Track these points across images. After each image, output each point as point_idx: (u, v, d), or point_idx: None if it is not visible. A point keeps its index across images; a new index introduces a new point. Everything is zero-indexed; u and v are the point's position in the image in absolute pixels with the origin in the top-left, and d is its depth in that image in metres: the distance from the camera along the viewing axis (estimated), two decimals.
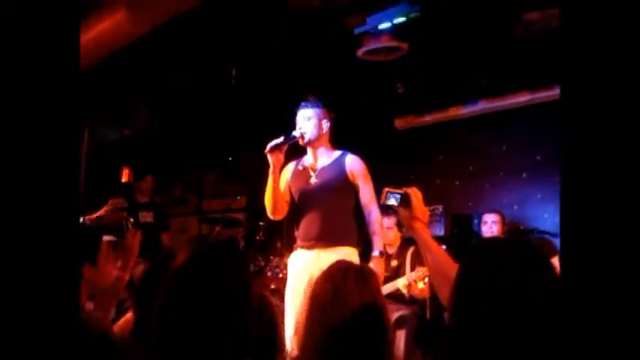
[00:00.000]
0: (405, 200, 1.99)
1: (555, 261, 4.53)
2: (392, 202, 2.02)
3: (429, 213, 2.05)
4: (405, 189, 2.02)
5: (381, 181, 6.07)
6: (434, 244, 1.93)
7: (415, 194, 1.99)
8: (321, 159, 3.59)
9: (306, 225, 3.50)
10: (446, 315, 1.71)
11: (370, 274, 1.91)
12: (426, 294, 4.96)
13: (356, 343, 1.72)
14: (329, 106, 3.73)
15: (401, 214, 2.02)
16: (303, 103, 3.65)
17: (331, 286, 1.80)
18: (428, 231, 1.98)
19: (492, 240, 2.23)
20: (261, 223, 5.73)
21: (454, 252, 5.82)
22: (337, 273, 1.85)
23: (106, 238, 2.28)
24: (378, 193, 3.76)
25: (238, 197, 6.93)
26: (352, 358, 1.72)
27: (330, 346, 1.71)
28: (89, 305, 2.12)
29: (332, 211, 3.46)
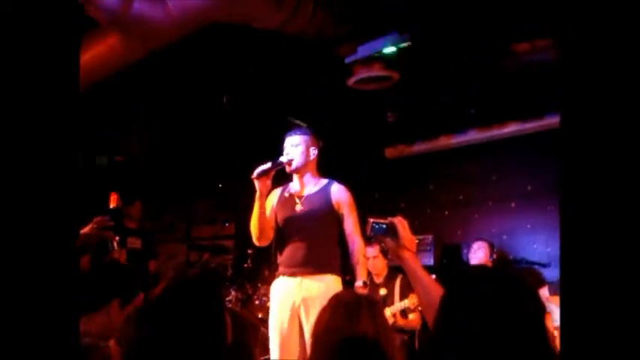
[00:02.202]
0: (392, 230, 1.95)
1: (544, 292, 4.52)
2: (378, 232, 1.99)
3: (416, 242, 2.02)
4: (390, 219, 1.98)
5: (371, 209, 6.09)
6: (423, 273, 1.91)
7: (401, 223, 1.96)
8: (307, 186, 3.58)
9: (290, 252, 3.48)
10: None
11: (378, 303, 1.97)
12: (417, 324, 4.92)
13: None
14: (319, 134, 3.74)
15: (388, 244, 1.97)
16: (291, 130, 3.66)
17: (346, 315, 1.79)
18: (417, 260, 1.95)
19: (478, 268, 2.22)
20: (249, 250, 5.69)
21: (444, 281, 5.81)
22: (351, 302, 1.85)
23: None
24: (365, 220, 3.76)
25: (227, 224, 6.89)
26: None
27: None
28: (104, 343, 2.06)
29: (316, 238, 3.44)
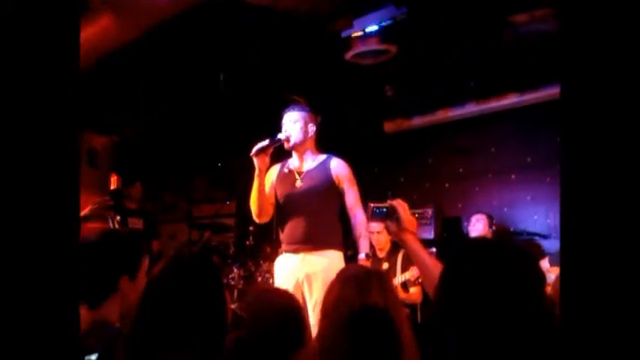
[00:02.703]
0: (392, 213, 1.97)
1: (544, 263, 4.54)
2: (379, 216, 2.00)
3: (417, 220, 2.04)
4: (390, 202, 2.00)
5: (370, 184, 6.11)
6: (425, 254, 1.93)
7: (401, 206, 1.98)
8: (306, 162, 3.58)
9: (292, 228, 3.49)
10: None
11: (387, 276, 1.97)
12: (418, 298, 4.96)
13: (381, 343, 1.73)
14: (317, 109, 3.72)
15: (389, 227, 2.00)
16: (289, 106, 3.65)
17: (356, 288, 1.80)
18: (418, 241, 1.97)
19: (477, 239, 2.22)
20: (250, 228, 5.71)
21: (444, 254, 5.85)
22: (361, 275, 1.86)
23: None
24: (366, 196, 3.77)
25: (228, 202, 6.90)
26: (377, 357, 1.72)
27: (357, 347, 1.71)
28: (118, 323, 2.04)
29: (317, 214, 3.45)
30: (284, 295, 2.09)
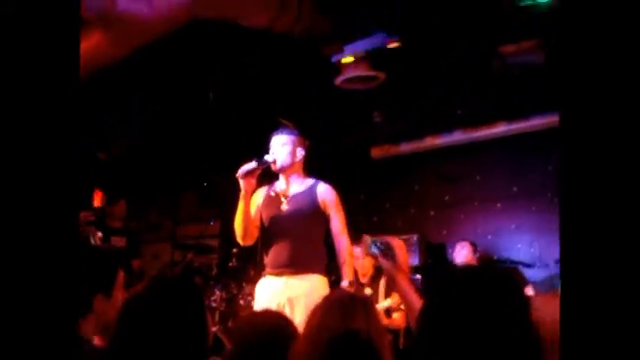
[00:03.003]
0: (389, 251, 1.97)
1: (528, 290, 4.54)
2: (374, 250, 1.99)
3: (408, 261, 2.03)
4: (388, 239, 1.99)
5: (356, 209, 6.10)
6: (414, 296, 1.91)
7: (399, 247, 1.97)
8: (293, 186, 3.57)
9: (276, 252, 3.46)
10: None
11: (372, 303, 1.93)
12: (401, 324, 4.93)
13: None
14: (305, 133, 3.72)
15: (383, 264, 1.98)
16: (278, 129, 3.64)
17: (341, 314, 1.78)
18: (408, 281, 1.95)
19: (462, 267, 2.20)
20: (234, 250, 5.66)
21: (429, 281, 5.82)
22: (346, 301, 1.84)
23: None
24: (352, 220, 3.76)
25: (212, 223, 6.86)
26: None
27: None
28: (98, 341, 2.01)
29: (302, 238, 3.43)
30: (276, 318, 2.07)
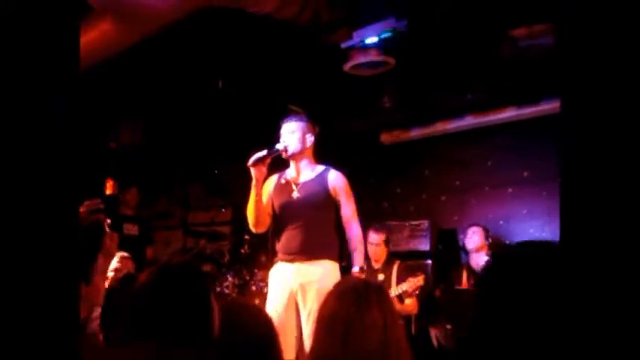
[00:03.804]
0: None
1: None
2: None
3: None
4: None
5: (367, 195, 6.10)
6: None
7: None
8: (303, 173, 3.58)
9: (287, 238, 3.49)
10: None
11: (386, 291, 1.95)
12: (414, 309, 4.95)
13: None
14: (315, 120, 3.73)
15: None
16: (288, 117, 3.65)
17: (355, 303, 1.78)
18: None
19: (515, 245, 2.06)
20: (246, 236, 5.69)
21: (439, 266, 5.84)
22: (360, 289, 1.84)
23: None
24: (362, 206, 3.76)
25: (224, 210, 6.88)
26: None
27: None
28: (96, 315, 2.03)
29: (313, 225, 3.45)
30: (256, 313, 2.06)
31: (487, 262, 1.25)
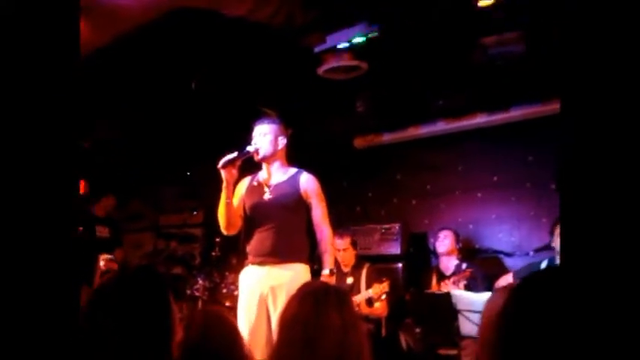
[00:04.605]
0: None
1: (508, 278, 4.60)
2: None
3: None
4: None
5: (339, 198, 6.12)
6: None
7: None
8: (275, 175, 3.59)
9: (258, 241, 3.49)
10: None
11: (347, 294, 1.95)
12: (383, 312, 4.98)
13: None
14: (288, 122, 3.74)
15: None
16: (260, 119, 3.66)
17: (313, 306, 1.79)
18: None
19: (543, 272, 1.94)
20: (217, 239, 5.67)
21: (410, 269, 5.86)
22: (319, 292, 1.85)
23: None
24: (334, 210, 3.78)
25: (195, 212, 6.85)
26: None
27: None
28: None
29: (284, 227, 3.46)
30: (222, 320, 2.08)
31: (514, 286, 1.20)
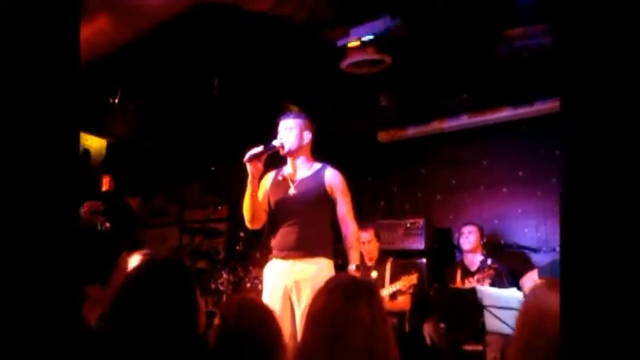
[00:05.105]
0: None
1: (533, 274, 4.55)
2: None
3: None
4: None
5: (363, 193, 6.11)
6: None
7: None
8: (300, 170, 3.59)
9: (283, 235, 3.49)
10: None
11: (376, 287, 1.93)
12: (406, 306, 4.96)
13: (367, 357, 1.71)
14: (312, 117, 3.73)
15: None
16: (285, 114, 3.66)
17: (343, 299, 1.78)
18: None
19: None
20: (241, 233, 5.69)
21: (434, 265, 5.84)
22: (349, 286, 1.84)
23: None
24: (359, 204, 3.77)
25: (220, 207, 6.89)
26: None
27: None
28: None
29: (309, 222, 3.45)
30: (264, 311, 2.09)
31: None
